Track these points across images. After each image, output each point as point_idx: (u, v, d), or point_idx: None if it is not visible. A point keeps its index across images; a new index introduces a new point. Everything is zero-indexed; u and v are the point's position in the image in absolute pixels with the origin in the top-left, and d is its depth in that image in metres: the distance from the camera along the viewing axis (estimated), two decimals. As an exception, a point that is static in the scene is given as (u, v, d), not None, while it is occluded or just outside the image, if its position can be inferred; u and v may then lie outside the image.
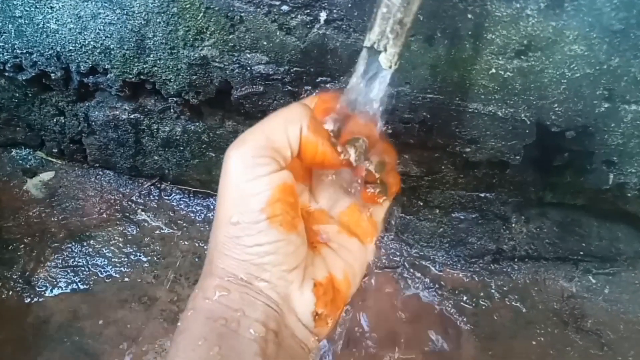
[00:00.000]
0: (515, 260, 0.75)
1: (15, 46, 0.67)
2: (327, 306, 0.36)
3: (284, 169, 0.34)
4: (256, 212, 0.33)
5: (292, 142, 0.35)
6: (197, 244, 0.77)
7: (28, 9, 0.63)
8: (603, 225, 0.71)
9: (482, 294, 0.73)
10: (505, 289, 0.73)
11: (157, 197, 0.81)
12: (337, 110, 0.39)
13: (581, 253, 0.73)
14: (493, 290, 0.73)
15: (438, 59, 0.54)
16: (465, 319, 0.70)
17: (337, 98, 0.40)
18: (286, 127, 0.34)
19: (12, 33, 0.66)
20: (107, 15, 0.61)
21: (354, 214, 0.41)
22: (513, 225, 0.73)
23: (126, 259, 0.75)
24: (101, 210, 0.79)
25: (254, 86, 0.62)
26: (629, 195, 0.61)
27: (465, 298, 0.72)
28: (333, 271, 0.37)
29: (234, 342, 0.32)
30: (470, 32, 0.51)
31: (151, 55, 0.63)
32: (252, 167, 0.33)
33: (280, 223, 0.33)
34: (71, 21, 0.63)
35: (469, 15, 0.50)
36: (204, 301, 0.34)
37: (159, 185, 0.81)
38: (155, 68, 0.64)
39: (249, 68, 0.61)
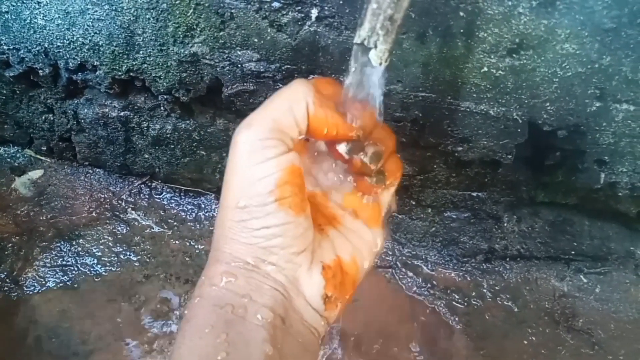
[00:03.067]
0: (507, 259, 0.75)
1: (2, 42, 0.66)
2: (336, 289, 0.36)
3: (291, 150, 0.34)
4: (264, 194, 0.32)
5: (299, 121, 0.34)
6: (187, 243, 0.76)
7: (15, 4, 0.62)
8: (594, 225, 0.71)
9: (474, 293, 0.73)
10: (497, 288, 0.73)
11: (147, 196, 0.80)
12: (331, 97, 0.37)
13: (573, 252, 0.73)
14: (485, 290, 0.73)
15: (430, 57, 0.54)
16: (457, 319, 0.70)
17: (332, 83, 0.39)
18: (292, 106, 0.34)
19: (-1, 29, 0.65)
20: (96, 11, 0.60)
21: (355, 199, 0.40)
22: (505, 224, 0.73)
23: (116, 258, 0.74)
24: (91, 209, 0.78)
25: (245, 84, 0.62)
26: (620, 194, 0.61)
27: (457, 297, 0.72)
28: (340, 254, 0.37)
29: (241, 329, 0.31)
30: (462, 30, 0.51)
31: (140, 52, 0.62)
32: (260, 150, 0.32)
33: (289, 205, 0.33)
34: (59, 17, 0.62)
35: (461, 13, 0.50)
36: (210, 288, 0.33)
37: (149, 184, 0.80)
38: (145, 65, 0.63)
39: (239, 65, 0.60)
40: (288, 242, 0.34)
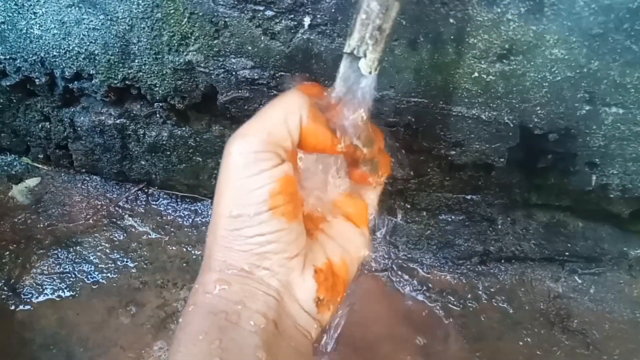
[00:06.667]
0: (502, 261, 0.75)
1: (-1, 52, 0.67)
2: (328, 291, 0.36)
3: (285, 161, 0.34)
4: (258, 204, 0.33)
5: (292, 133, 0.34)
6: (184, 249, 0.76)
7: (11, 14, 0.62)
8: (588, 226, 0.72)
9: (469, 295, 0.73)
10: (492, 290, 0.74)
11: (144, 202, 0.80)
12: (320, 97, 0.38)
13: (567, 253, 0.73)
14: (480, 292, 0.73)
15: (422, 63, 0.55)
16: (452, 321, 0.71)
17: (318, 87, 0.40)
18: (286, 118, 0.34)
19: (-5, 39, 0.65)
20: (91, 21, 0.61)
21: (345, 199, 0.41)
22: (499, 226, 0.73)
23: (113, 265, 0.74)
24: (88, 216, 0.79)
25: (240, 91, 0.62)
26: (612, 196, 0.62)
27: (452, 299, 0.73)
28: (331, 257, 0.38)
29: (234, 335, 0.32)
30: (452, 37, 0.52)
31: (136, 61, 0.63)
32: (254, 162, 0.33)
33: (282, 213, 0.33)
34: (55, 27, 0.62)
35: (451, 20, 0.51)
36: (204, 296, 0.34)
37: (146, 190, 0.81)
38: (141, 73, 0.64)
39: (234, 73, 0.61)
40: (282, 247, 0.34)
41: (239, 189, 0.33)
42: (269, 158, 0.33)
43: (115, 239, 0.77)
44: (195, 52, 0.60)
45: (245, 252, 0.34)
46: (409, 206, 0.73)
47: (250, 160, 0.33)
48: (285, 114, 0.34)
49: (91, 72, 0.66)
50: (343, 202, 0.41)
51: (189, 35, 0.59)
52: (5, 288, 0.70)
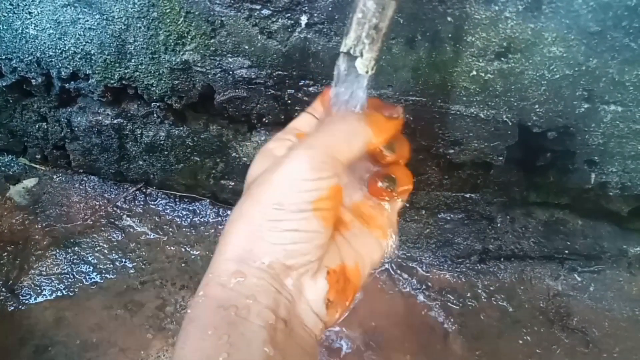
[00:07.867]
0: (501, 259, 0.75)
1: (-6, 52, 0.66)
2: (338, 294, 0.37)
3: (341, 172, 0.37)
4: (305, 202, 0.34)
5: (354, 154, 0.37)
6: (183, 249, 0.76)
7: (6, 14, 0.62)
8: (587, 224, 0.71)
9: (468, 294, 0.73)
10: (491, 288, 0.74)
11: (142, 202, 0.80)
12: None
13: (566, 252, 0.73)
14: (480, 290, 0.73)
15: (419, 62, 0.55)
16: (452, 319, 0.71)
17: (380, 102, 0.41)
18: (351, 141, 0.37)
19: (-9, 39, 0.65)
20: (87, 21, 0.60)
21: (365, 208, 0.42)
22: (498, 225, 0.73)
23: (111, 265, 0.74)
24: (86, 217, 0.79)
25: (237, 90, 0.62)
26: (611, 194, 0.62)
27: (452, 298, 0.72)
28: (345, 260, 0.38)
29: (243, 330, 0.32)
30: (450, 35, 0.52)
31: (132, 60, 0.62)
32: (317, 171, 0.35)
33: (323, 216, 0.35)
34: (50, 27, 0.62)
35: (449, 18, 0.50)
36: (216, 287, 0.34)
37: (144, 190, 0.80)
38: (137, 73, 0.64)
39: (231, 72, 0.60)
40: (310, 249, 0.35)
41: (292, 186, 0.35)
42: (328, 170, 0.35)
43: (113, 239, 0.77)
44: (191, 52, 0.60)
45: (276, 245, 0.34)
46: (407, 205, 0.73)
47: (314, 168, 0.35)
48: (350, 138, 0.37)
49: (87, 72, 0.65)
50: (362, 210, 0.42)
51: (186, 34, 0.59)
52: (3, 289, 0.70)
